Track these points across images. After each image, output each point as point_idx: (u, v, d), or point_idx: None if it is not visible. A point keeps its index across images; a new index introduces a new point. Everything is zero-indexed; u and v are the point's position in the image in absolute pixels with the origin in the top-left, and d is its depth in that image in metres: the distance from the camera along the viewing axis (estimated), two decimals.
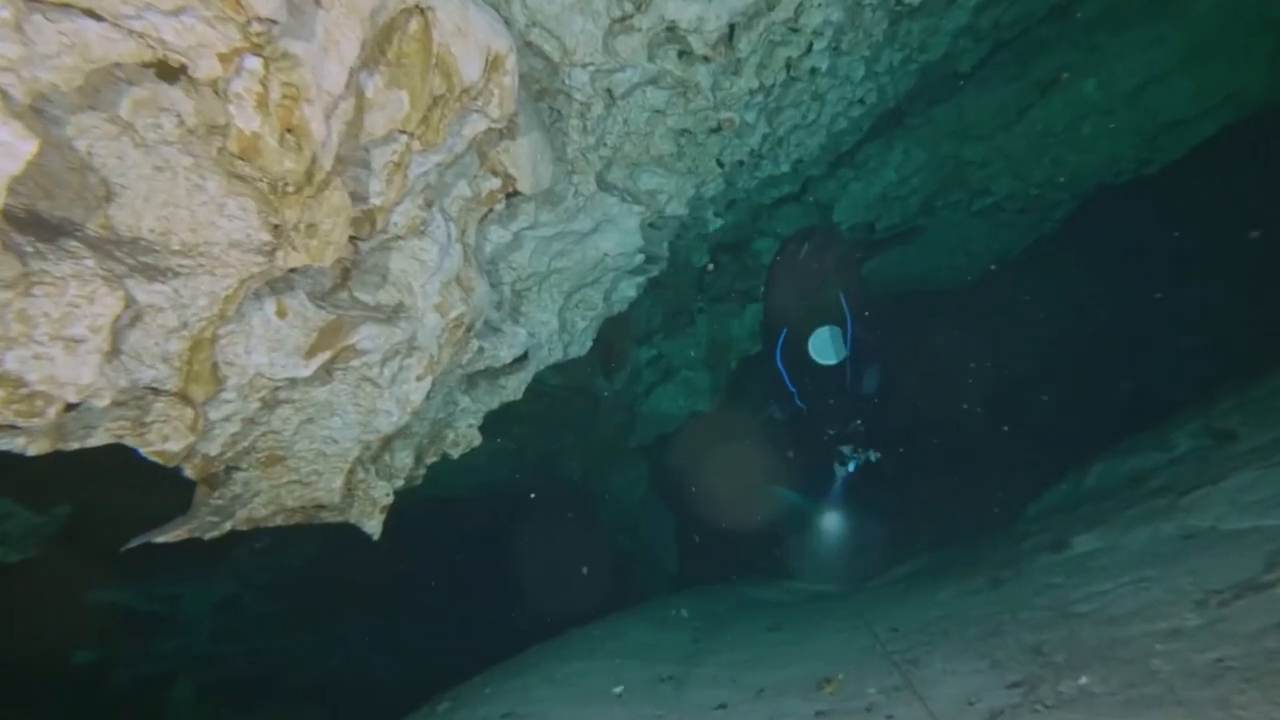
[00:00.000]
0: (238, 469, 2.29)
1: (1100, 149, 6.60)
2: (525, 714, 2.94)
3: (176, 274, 1.73)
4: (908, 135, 6.53)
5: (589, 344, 3.84)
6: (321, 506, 2.48)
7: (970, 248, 8.60)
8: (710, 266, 6.72)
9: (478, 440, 3.28)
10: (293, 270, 2.04)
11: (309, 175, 1.78)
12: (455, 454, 3.23)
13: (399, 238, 2.34)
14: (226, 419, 2.03)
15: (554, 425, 7.86)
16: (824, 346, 5.11)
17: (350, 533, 2.92)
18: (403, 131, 2.05)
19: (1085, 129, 6.40)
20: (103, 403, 1.61)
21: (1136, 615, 2.31)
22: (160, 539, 2.14)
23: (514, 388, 3.32)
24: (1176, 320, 7.83)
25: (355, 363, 2.28)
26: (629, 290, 3.88)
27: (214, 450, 2.05)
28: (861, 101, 4.85)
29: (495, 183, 2.66)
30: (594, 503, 9.12)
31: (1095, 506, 3.97)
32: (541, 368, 3.45)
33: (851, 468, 6.02)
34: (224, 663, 6.99)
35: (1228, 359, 5.53)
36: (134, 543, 2.14)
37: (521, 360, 3.34)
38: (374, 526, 2.70)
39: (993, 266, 9.07)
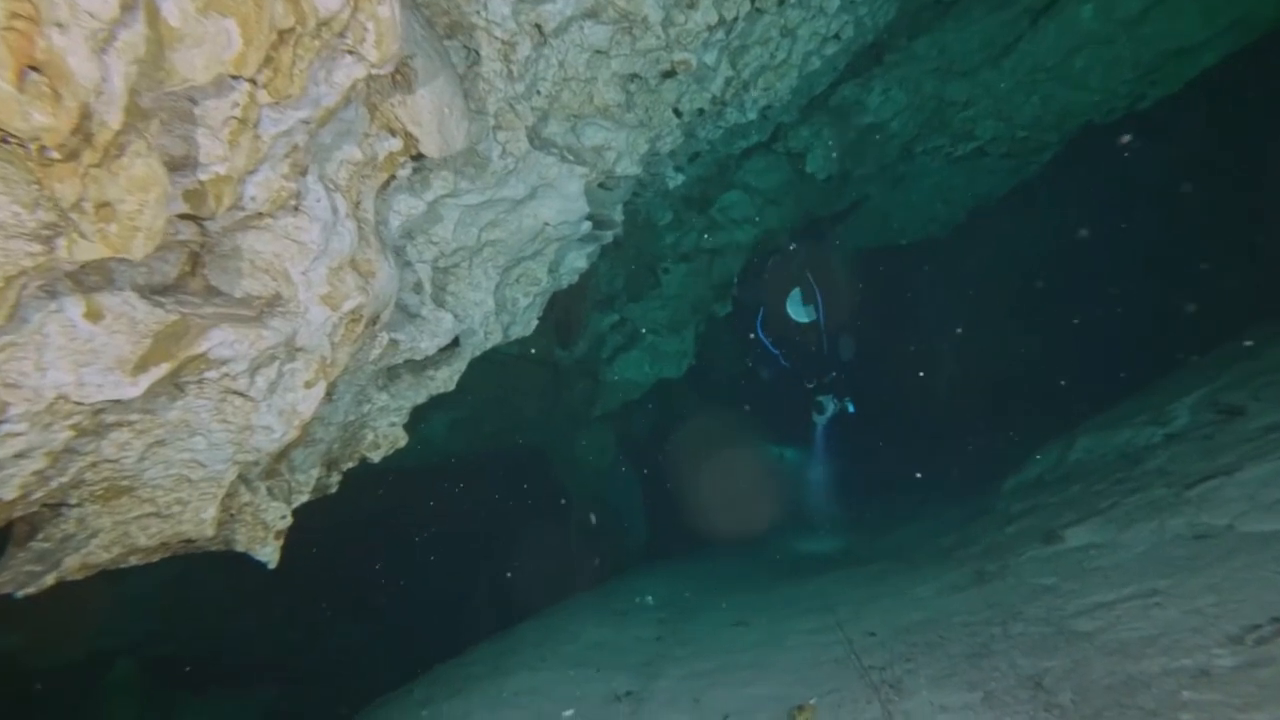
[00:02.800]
0: (66, 505, 1.83)
1: (1093, 84, 6.14)
2: None
3: None
4: (887, 74, 6.01)
5: (534, 322, 3.39)
6: (190, 540, 2.04)
7: (949, 196, 8.19)
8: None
9: (403, 440, 2.85)
10: (92, 263, 1.55)
11: (85, 136, 1.28)
12: (376, 457, 2.80)
13: (262, 214, 1.84)
14: (20, 456, 1.56)
15: (513, 395, 7.44)
16: (799, 305, 5.43)
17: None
18: (239, 77, 1.54)
19: (1078, 62, 5.93)
20: None
21: (1152, 645, 2.01)
22: None
23: (445, 379, 2.87)
24: (1170, 272, 7.59)
25: (212, 374, 1.81)
26: (578, 261, 3.41)
27: (9, 494, 1.59)
28: (837, 37, 4.33)
29: (395, 143, 2.15)
30: (558, 473, 8.78)
31: (1085, 488, 3.70)
32: (477, 354, 3.00)
33: (829, 413, 6.41)
34: (173, 641, 6.59)
35: (1229, 317, 5.27)
36: None
37: (452, 348, 2.88)
38: (268, 554, 2.28)
39: (969, 216, 8.72)
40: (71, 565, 1.82)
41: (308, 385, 2.06)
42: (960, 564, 3.64)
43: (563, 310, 5.72)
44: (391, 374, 2.78)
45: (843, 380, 6.20)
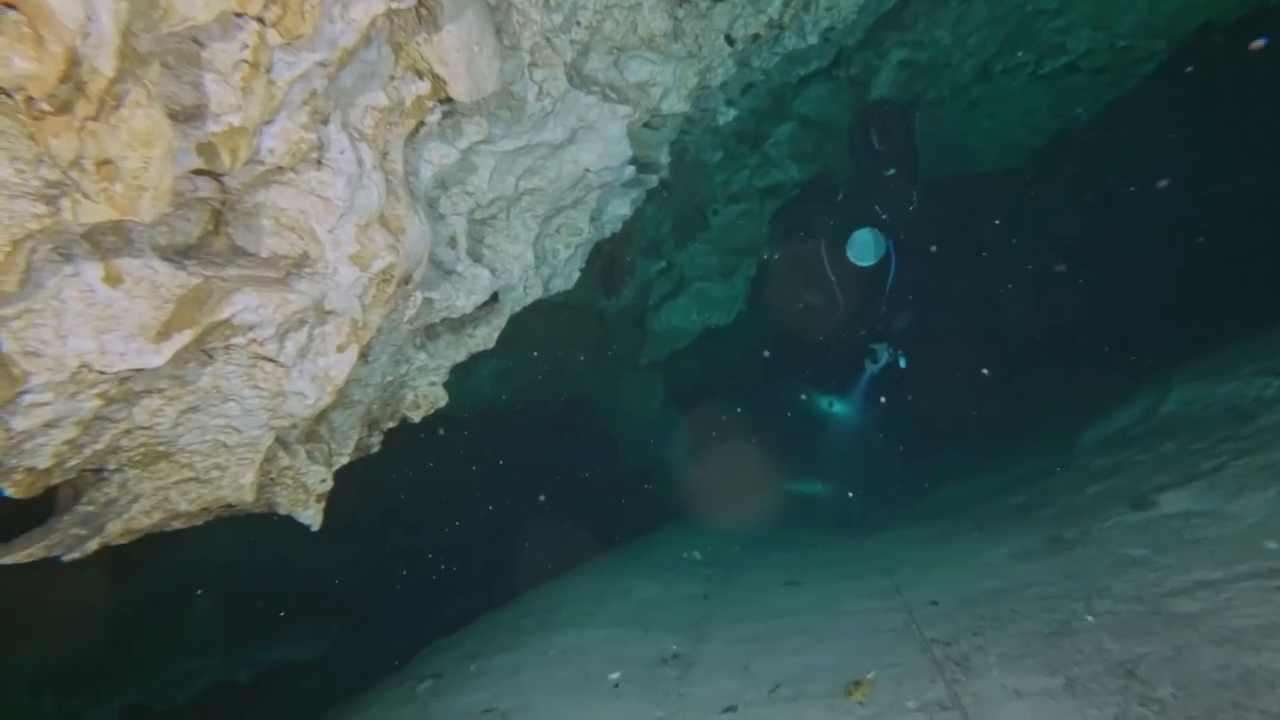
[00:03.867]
0: (106, 470, 1.84)
1: None
2: (509, 710, 2.64)
3: None
4: None
5: (576, 274, 3.26)
6: (231, 505, 2.05)
7: (1031, 119, 7.49)
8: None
9: (443, 400, 2.80)
10: (105, 225, 1.47)
11: (77, 84, 1.18)
12: (417, 417, 2.76)
13: (282, 169, 1.74)
14: (49, 425, 1.54)
15: (559, 343, 7.40)
16: (863, 247, 5.06)
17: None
18: (244, 14, 1.40)
19: None
20: None
21: (1275, 636, 1.82)
22: (6, 560, 1.73)
23: (484, 336, 2.79)
24: None
25: (239, 340, 1.75)
26: (622, 208, 3.24)
27: (42, 463, 1.58)
28: None
29: (422, 86, 2.00)
30: (605, 422, 8.81)
31: (1181, 446, 3.42)
32: (517, 310, 2.90)
33: (883, 362, 6.11)
34: (249, 575, 7.01)
35: None
36: None
37: (490, 305, 2.78)
38: (310, 517, 2.29)
39: (1053, 141, 7.99)
40: (114, 530, 1.84)
41: (340, 349, 2.00)
42: (1033, 527, 3.45)
43: (608, 258, 5.56)
44: (429, 333, 2.71)
45: (901, 329, 5.88)
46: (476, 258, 2.60)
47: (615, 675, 2.86)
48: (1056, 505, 3.64)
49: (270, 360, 1.85)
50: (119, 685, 5.65)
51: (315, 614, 7.47)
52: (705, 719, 2.44)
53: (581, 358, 7.73)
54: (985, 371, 8.13)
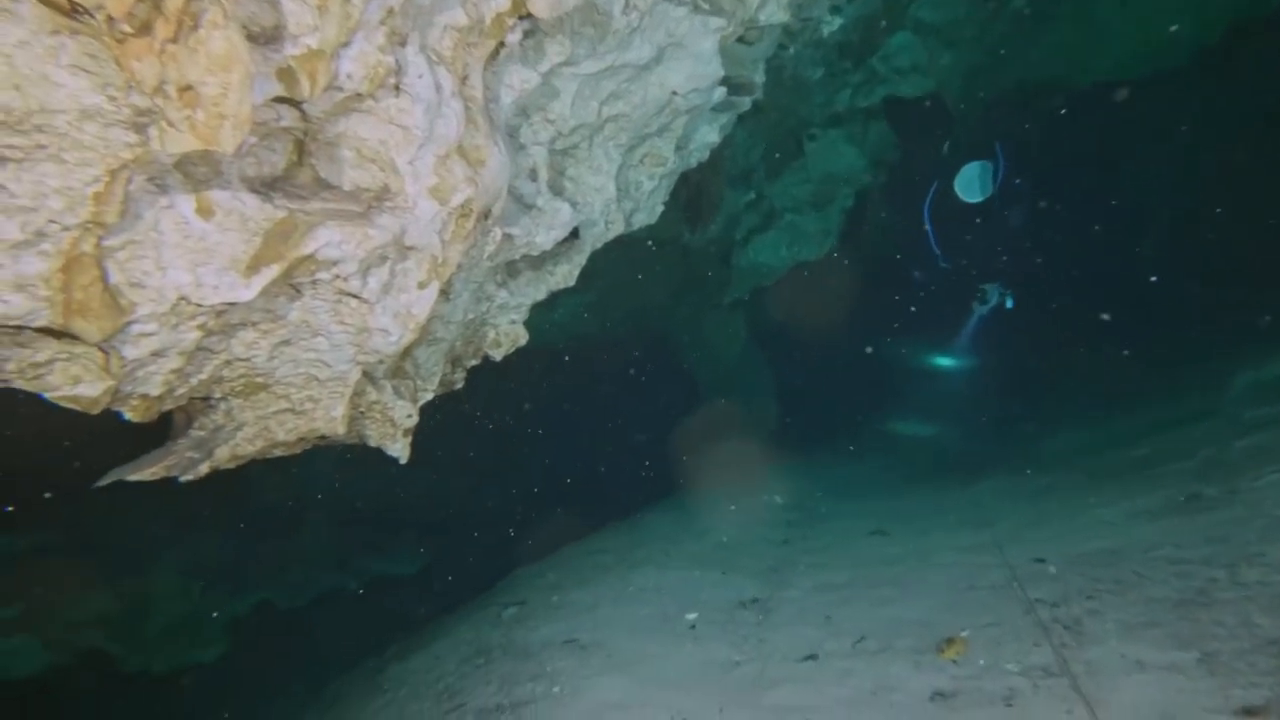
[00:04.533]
0: (213, 399, 1.93)
1: None
2: (588, 643, 2.71)
3: (0, 159, 1.22)
4: None
5: (660, 208, 3.13)
6: (324, 436, 2.12)
7: (1195, 11, 6.39)
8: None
9: (524, 338, 2.80)
10: (196, 154, 1.48)
11: (153, 2, 1.15)
12: (498, 355, 2.78)
13: (361, 95, 1.69)
14: (156, 355, 1.61)
15: (641, 280, 7.32)
16: (970, 182, 4.70)
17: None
18: None
19: None
20: None
21: None
22: (132, 476, 1.87)
23: (564, 274, 2.74)
24: None
25: (324, 275, 1.76)
26: (710, 135, 3.05)
27: (154, 390, 1.67)
28: None
29: (502, 1, 1.89)
30: (687, 359, 8.74)
31: None
32: (598, 246, 2.82)
33: (992, 303, 5.78)
34: (355, 495, 7.58)
35: None
36: (106, 479, 1.89)
37: (570, 241, 2.71)
38: (399, 450, 2.35)
39: (1226, 37, 6.82)
40: (222, 455, 1.95)
41: (420, 286, 1.99)
42: (1160, 483, 3.16)
43: (693, 189, 5.35)
44: (510, 270, 2.68)
45: (1010, 268, 5.50)
46: (557, 191, 2.52)
47: (692, 616, 2.87)
48: (1192, 459, 3.31)
49: (354, 296, 1.87)
50: (251, 584, 6.30)
51: (412, 535, 8.00)
52: (785, 666, 2.42)
53: (663, 295, 7.64)
54: (1105, 316, 7.43)
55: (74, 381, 1.53)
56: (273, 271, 1.61)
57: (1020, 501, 3.81)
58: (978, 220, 5.21)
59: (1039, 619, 2.33)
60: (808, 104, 5.61)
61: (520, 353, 2.89)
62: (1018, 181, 5.31)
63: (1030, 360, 7.81)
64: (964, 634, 2.34)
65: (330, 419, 2.07)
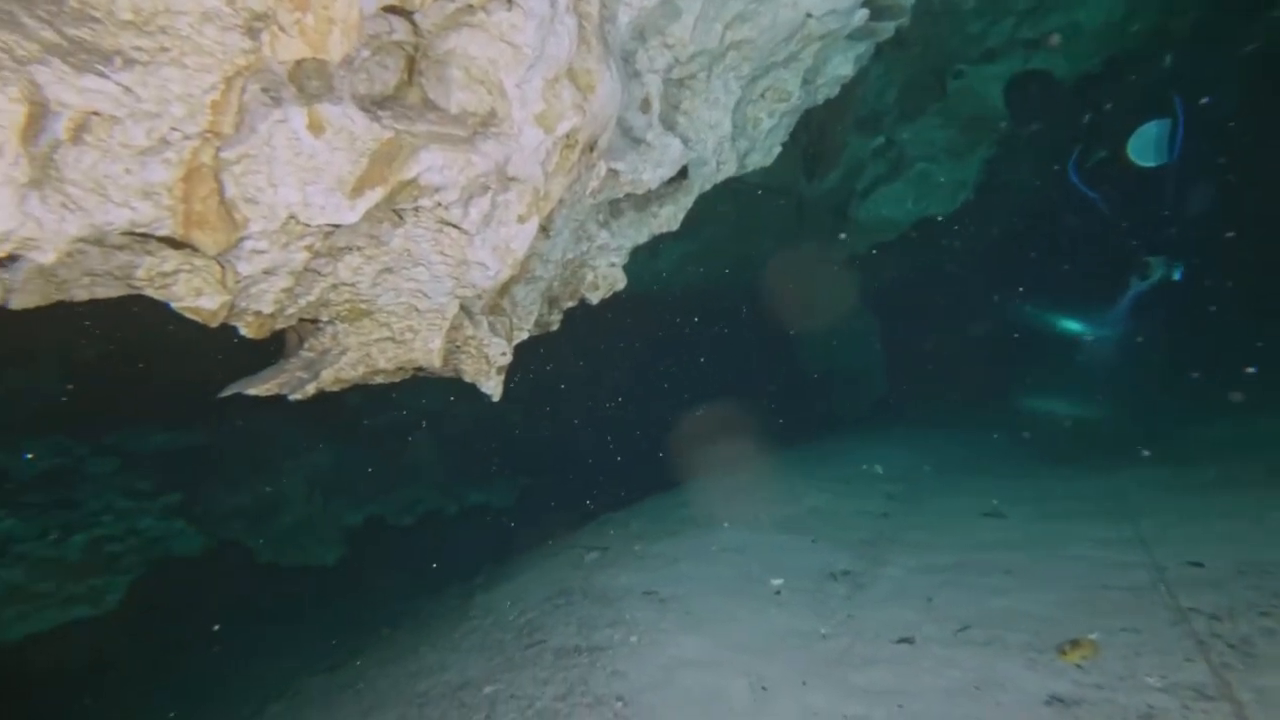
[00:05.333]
0: (320, 321, 1.99)
1: None
2: (667, 597, 2.69)
3: (128, 61, 1.24)
4: None
5: (777, 149, 2.93)
6: (421, 368, 2.16)
7: None
8: None
9: (622, 282, 2.72)
10: (310, 66, 1.46)
11: None
12: (595, 298, 2.72)
13: (472, 6, 1.62)
14: (268, 273, 1.65)
15: (749, 229, 7.05)
16: (1146, 145, 4.20)
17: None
18: None
19: None
20: (47, 257, 1.26)
21: None
22: (250, 390, 1.98)
23: (668, 216, 2.62)
24: None
25: (425, 202, 1.74)
26: (842, 67, 2.79)
27: (266, 308, 1.72)
28: None
29: None
30: (787, 319, 8.43)
31: None
32: (706, 188, 2.67)
33: (1154, 279, 5.15)
34: (458, 420, 8.02)
35: None
36: (227, 390, 2.02)
37: (677, 181, 2.58)
38: (492, 387, 2.37)
39: None
40: (327, 378, 2.02)
41: (520, 220, 1.94)
42: None
43: (815, 131, 5.01)
44: (613, 210, 2.59)
45: (1182, 239, 4.93)
46: (669, 125, 2.38)
47: (778, 582, 2.79)
48: None
49: (455, 226, 1.84)
50: (364, 499, 6.86)
51: (509, 470, 8.36)
52: (876, 646, 2.30)
53: (773, 247, 7.34)
54: None
55: (196, 293, 1.61)
56: (376, 195, 1.60)
57: (1175, 495, 3.42)
58: (1149, 186, 4.58)
59: (1193, 631, 2.07)
60: (959, 35, 5.05)
61: (619, 299, 2.83)
62: (1198, 144, 4.61)
63: (1197, 341, 6.99)
64: (1092, 636, 2.12)
65: (428, 351, 2.10)
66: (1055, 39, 5.14)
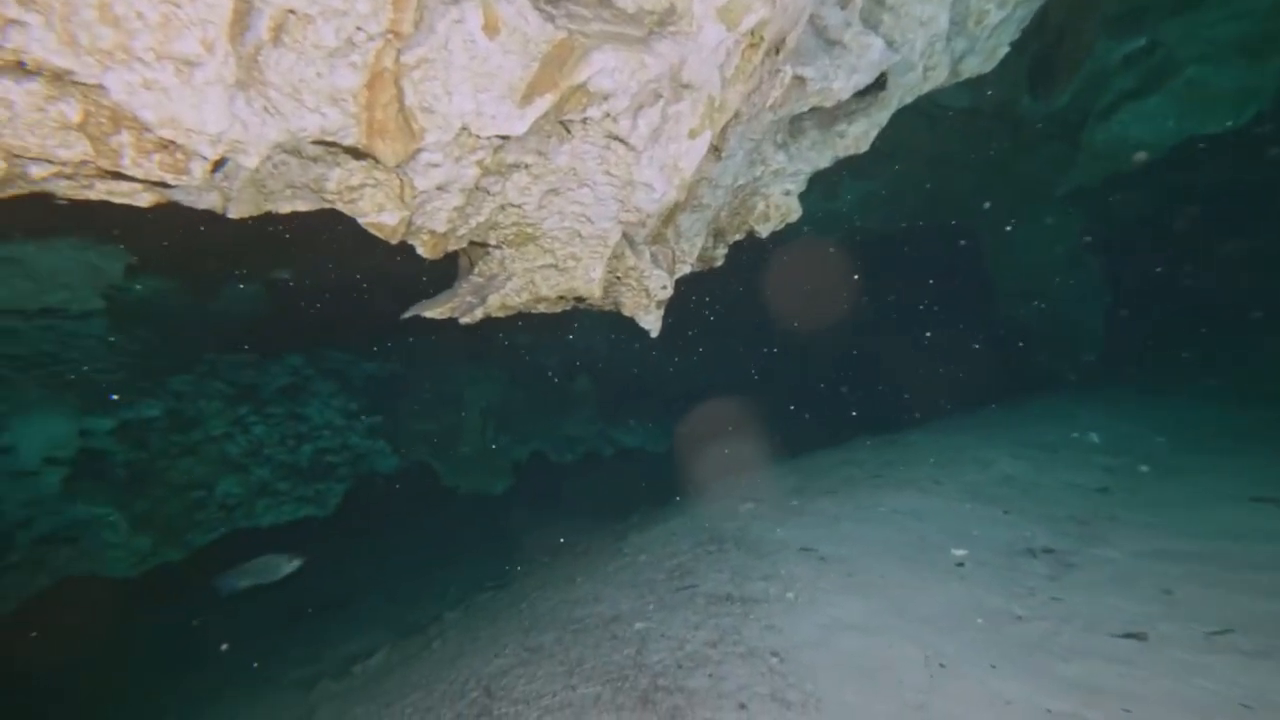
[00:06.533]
0: (489, 245, 2.01)
1: None
2: (827, 555, 2.54)
3: None
4: None
5: (1003, 50, 2.49)
6: (582, 298, 2.13)
7: None
8: None
9: (795, 213, 2.50)
10: None
11: None
12: (765, 230, 2.53)
13: None
14: (441, 188, 1.67)
15: (947, 162, 6.29)
16: None
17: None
18: None
19: None
20: (250, 161, 1.34)
21: None
22: (427, 313, 2.08)
23: (857, 136, 2.34)
24: None
25: (594, 112, 1.66)
26: None
27: (439, 226, 1.76)
28: None
29: None
30: (988, 263, 7.51)
31: None
32: (908, 100, 2.34)
33: None
34: (615, 366, 8.32)
35: None
36: (408, 313, 2.14)
37: (873, 92, 2.27)
38: (651, 322, 2.30)
39: None
40: (494, 303, 2.06)
41: (691, 135, 1.79)
42: None
43: (1053, 34, 4.25)
44: (793, 128, 2.35)
45: None
46: (871, 22, 2.08)
47: (960, 553, 2.52)
48: None
49: (622, 141, 1.74)
50: (529, 435, 7.38)
51: (665, 417, 8.51)
52: (1090, 637, 2.01)
53: (975, 182, 6.49)
54: None
55: (378, 209, 1.67)
56: (545, 102, 1.54)
57: None
58: None
59: None
60: None
61: (792, 240, 2.60)
62: None
63: None
64: None
65: (589, 279, 2.06)
66: None
